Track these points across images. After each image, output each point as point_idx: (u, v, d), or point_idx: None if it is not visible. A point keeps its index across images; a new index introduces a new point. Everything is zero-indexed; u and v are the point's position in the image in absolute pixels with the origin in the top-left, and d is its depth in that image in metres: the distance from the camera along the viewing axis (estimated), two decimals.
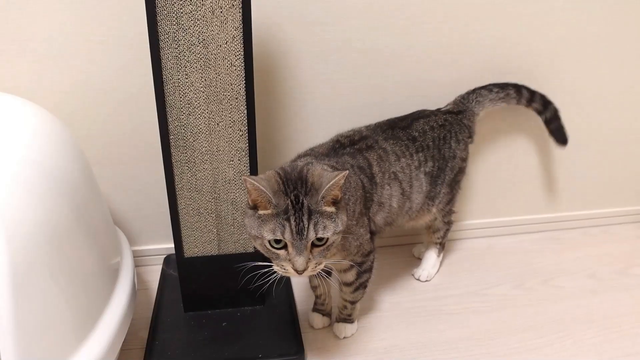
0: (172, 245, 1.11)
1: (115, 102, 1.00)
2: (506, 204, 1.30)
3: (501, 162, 1.24)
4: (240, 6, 0.75)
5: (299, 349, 0.90)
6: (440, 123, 1.02)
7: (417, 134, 0.98)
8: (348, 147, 0.90)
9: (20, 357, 0.61)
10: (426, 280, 1.13)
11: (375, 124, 0.99)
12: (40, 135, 0.74)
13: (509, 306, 1.07)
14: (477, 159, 1.22)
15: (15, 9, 0.90)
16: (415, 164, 0.96)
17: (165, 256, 1.13)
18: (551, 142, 1.17)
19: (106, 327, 0.75)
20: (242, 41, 0.77)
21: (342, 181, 0.71)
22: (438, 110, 1.06)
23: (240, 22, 0.76)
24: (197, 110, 0.81)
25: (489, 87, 1.09)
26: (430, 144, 0.99)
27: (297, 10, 0.98)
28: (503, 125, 1.20)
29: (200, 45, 0.77)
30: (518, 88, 1.10)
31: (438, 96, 1.11)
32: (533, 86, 1.11)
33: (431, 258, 1.15)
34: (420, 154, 0.97)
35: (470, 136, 1.08)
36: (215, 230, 0.90)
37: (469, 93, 1.09)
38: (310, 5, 0.98)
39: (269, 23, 0.98)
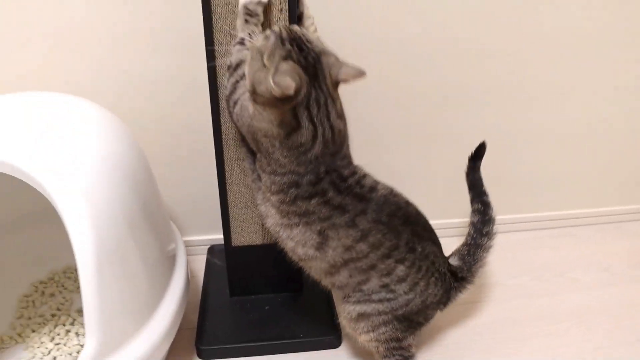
0: (215, 237, 1.23)
1: (169, 104, 1.09)
2: (524, 201, 1.37)
3: (516, 161, 1.32)
4: (286, 17, 0.84)
5: (337, 331, 0.99)
6: (441, 270, 0.90)
7: (420, 248, 0.85)
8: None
9: (101, 327, 0.70)
10: None
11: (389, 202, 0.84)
12: (109, 135, 0.83)
13: (527, 295, 1.15)
14: (497, 159, 1.30)
15: (77, 20, 1.01)
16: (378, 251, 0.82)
17: (208, 246, 1.22)
18: (568, 143, 1.24)
19: (169, 305, 0.85)
20: None
21: None
22: (445, 260, 0.93)
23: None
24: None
25: (483, 231, 0.99)
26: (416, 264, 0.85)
27: None
28: (525, 125, 1.28)
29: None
30: (484, 204, 1.00)
31: None
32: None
33: None
34: (403, 264, 0.84)
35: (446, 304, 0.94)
36: (259, 221, 0.99)
37: (470, 247, 0.99)
38: None
39: None
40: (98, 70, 1.05)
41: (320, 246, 0.81)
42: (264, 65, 0.72)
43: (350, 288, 0.86)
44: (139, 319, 0.79)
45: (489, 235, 0.99)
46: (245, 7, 0.79)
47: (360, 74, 0.74)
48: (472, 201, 1.01)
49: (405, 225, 0.84)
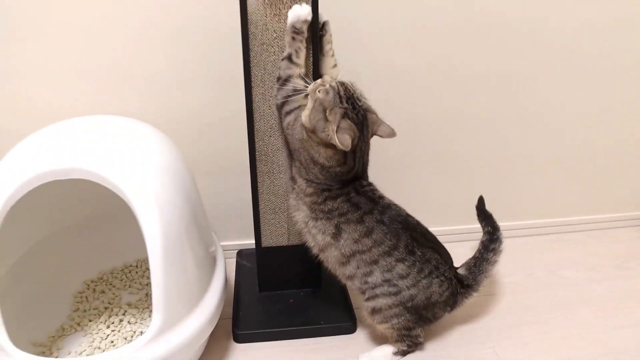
0: (243, 242, 1.39)
1: (209, 125, 1.27)
2: (520, 208, 1.52)
3: (513, 174, 1.48)
4: (310, 55, 1.02)
5: (352, 319, 1.15)
6: (447, 275, 1.04)
7: (419, 252, 1.00)
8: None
9: (165, 306, 0.87)
10: None
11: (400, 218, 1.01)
12: (164, 150, 1.00)
13: (521, 291, 1.30)
14: (496, 174, 1.46)
15: (128, 56, 1.19)
16: (387, 258, 0.99)
17: (237, 250, 1.38)
18: (559, 159, 1.41)
19: (213, 294, 1.02)
20: (311, 74, 1.03)
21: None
22: (452, 267, 1.08)
23: (310, 64, 1.03)
24: (276, 132, 1.07)
25: (490, 247, 1.15)
26: (417, 269, 1.01)
27: None
28: (523, 139, 1.43)
29: None
30: (492, 226, 1.18)
31: None
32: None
33: (384, 350, 1.09)
34: (403, 264, 0.99)
35: (453, 307, 1.09)
36: (286, 226, 1.16)
37: (477, 260, 1.13)
38: None
39: None
40: (148, 99, 1.23)
41: (335, 237, 0.99)
42: (326, 119, 0.91)
43: (358, 279, 1.02)
44: (191, 303, 0.95)
45: (494, 251, 1.14)
46: (293, 26, 0.96)
47: (393, 133, 0.95)
48: (484, 226, 1.20)
49: (405, 230, 1.01)
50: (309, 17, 0.96)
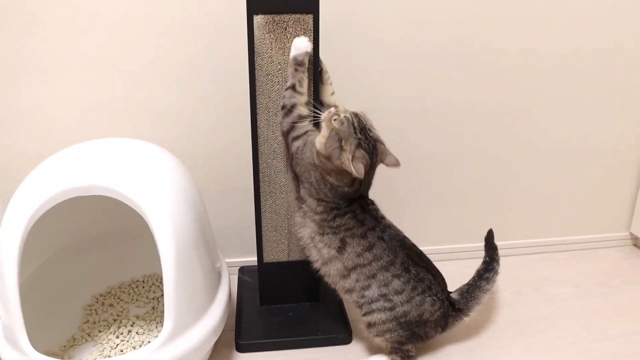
0: (244, 259, 1.46)
1: (215, 148, 1.36)
2: (509, 228, 1.60)
3: (504, 196, 1.56)
4: (312, 85, 1.11)
5: (348, 330, 1.22)
6: (439, 296, 1.11)
7: (414, 271, 1.08)
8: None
9: (176, 313, 0.94)
10: None
11: (397, 238, 1.09)
12: (175, 170, 1.08)
13: (507, 305, 1.37)
14: (480, 185, 1.54)
15: (142, 87, 1.28)
16: (384, 273, 1.07)
17: (239, 267, 1.45)
18: (548, 183, 1.51)
19: (218, 305, 1.08)
20: (311, 103, 1.12)
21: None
22: (444, 289, 1.14)
23: (311, 95, 1.12)
24: (278, 155, 1.15)
25: (484, 276, 1.20)
26: (412, 286, 1.08)
27: None
28: (507, 157, 1.52)
29: None
30: (492, 257, 1.24)
31: None
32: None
33: (378, 359, 1.15)
34: (399, 280, 1.07)
35: (444, 328, 1.15)
36: (286, 242, 1.23)
37: (470, 287, 1.19)
38: None
39: None
40: (156, 123, 1.32)
41: (340, 250, 1.07)
42: (342, 148, 0.99)
43: (356, 293, 1.09)
44: (198, 313, 1.02)
45: (488, 280, 1.20)
46: (295, 59, 1.06)
47: (397, 163, 1.04)
48: (484, 256, 1.25)
49: (402, 248, 1.09)
50: (309, 49, 1.05)
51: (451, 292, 1.18)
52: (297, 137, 1.08)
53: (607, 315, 1.34)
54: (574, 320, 1.32)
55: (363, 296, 1.08)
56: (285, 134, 1.10)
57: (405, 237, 1.12)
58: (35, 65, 1.23)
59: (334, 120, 1.01)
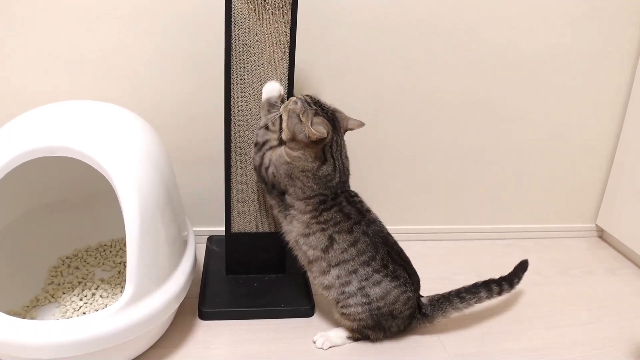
0: (213, 228, 1.47)
1: (188, 116, 1.35)
2: (476, 212, 1.63)
3: (476, 183, 1.59)
4: (288, 58, 1.10)
5: (311, 304, 1.24)
6: (410, 296, 1.11)
7: (392, 268, 1.09)
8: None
9: (137, 278, 0.94)
10: (320, 348, 1.14)
11: (377, 233, 1.10)
12: (146, 136, 1.08)
13: None
14: (450, 169, 1.56)
15: (115, 47, 1.26)
16: (358, 260, 1.08)
17: (208, 236, 1.46)
18: (516, 173, 1.53)
19: (182, 272, 1.09)
20: (287, 78, 1.12)
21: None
22: (417, 290, 1.15)
23: (287, 69, 1.11)
24: (251, 127, 1.15)
25: (461, 295, 1.17)
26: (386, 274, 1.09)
27: None
28: (480, 144, 1.54)
29: (258, 83, 1.12)
30: (487, 286, 1.20)
31: None
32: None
33: (339, 332, 1.17)
34: (378, 274, 1.08)
35: (407, 327, 1.16)
36: (254, 214, 1.24)
37: (442, 298, 1.17)
38: None
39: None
40: (132, 88, 1.31)
41: (326, 249, 1.08)
42: (300, 121, 1.01)
43: (335, 289, 1.10)
44: (161, 279, 1.02)
45: (462, 299, 1.17)
46: (268, 101, 1.10)
47: (361, 124, 1.09)
48: (485, 282, 1.21)
49: (384, 245, 1.10)
50: (282, 91, 1.11)
51: (422, 296, 1.19)
52: (268, 166, 1.10)
53: (565, 304, 1.38)
54: (533, 307, 1.35)
55: (342, 292, 1.10)
56: (258, 167, 1.12)
57: (389, 234, 1.13)
58: (8, 20, 1.20)
59: (289, 106, 1.05)
